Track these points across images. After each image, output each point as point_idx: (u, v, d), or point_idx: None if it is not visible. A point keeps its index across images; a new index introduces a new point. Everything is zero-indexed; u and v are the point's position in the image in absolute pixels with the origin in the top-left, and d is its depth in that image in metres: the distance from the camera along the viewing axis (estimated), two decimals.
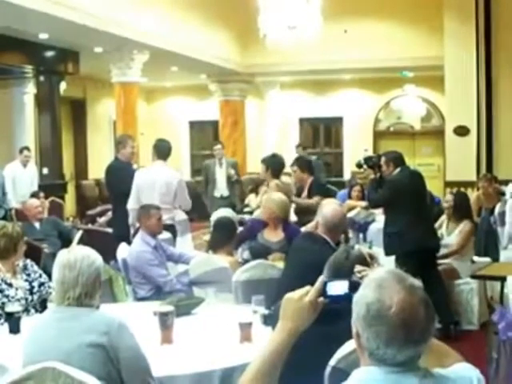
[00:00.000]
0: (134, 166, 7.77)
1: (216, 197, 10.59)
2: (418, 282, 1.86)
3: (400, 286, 1.80)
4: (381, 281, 1.82)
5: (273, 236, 5.82)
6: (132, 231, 6.84)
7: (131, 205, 6.88)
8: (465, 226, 6.90)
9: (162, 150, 7.08)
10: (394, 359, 1.78)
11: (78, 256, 2.95)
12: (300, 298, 2.03)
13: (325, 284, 2.01)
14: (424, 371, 1.83)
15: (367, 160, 6.75)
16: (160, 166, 7.02)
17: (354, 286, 1.96)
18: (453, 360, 2.06)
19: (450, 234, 6.97)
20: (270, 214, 5.87)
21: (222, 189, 10.70)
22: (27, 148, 11.37)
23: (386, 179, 6.53)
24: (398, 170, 6.49)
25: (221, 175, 10.75)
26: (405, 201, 6.30)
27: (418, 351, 1.80)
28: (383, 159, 6.59)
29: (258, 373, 2.00)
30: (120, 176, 7.28)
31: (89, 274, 2.92)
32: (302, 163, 7.79)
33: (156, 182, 6.84)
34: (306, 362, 2.78)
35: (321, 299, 2.02)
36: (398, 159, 6.58)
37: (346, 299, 1.97)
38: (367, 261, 3.19)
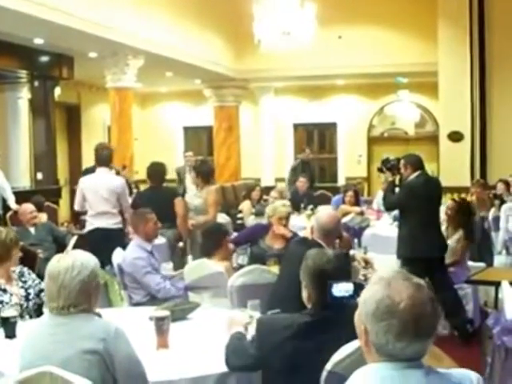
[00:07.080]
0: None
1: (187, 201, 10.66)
2: (423, 281, 1.93)
3: (408, 282, 1.88)
4: (388, 279, 1.90)
5: (275, 242, 5.81)
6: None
7: (76, 207, 7.29)
8: (458, 241, 6.84)
9: (100, 158, 7.22)
10: (402, 353, 1.84)
11: (62, 268, 2.88)
12: None
13: (330, 285, 2.06)
14: (428, 368, 1.89)
15: (385, 162, 6.75)
16: (103, 173, 7.16)
17: (358, 287, 2.03)
18: (448, 362, 2.11)
19: (449, 238, 6.93)
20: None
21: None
22: None
23: (402, 183, 6.51)
24: (416, 174, 6.44)
25: (189, 181, 10.78)
26: (418, 206, 6.28)
27: (424, 346, 1.87)
28: (402, 161, 6.55)
29: None
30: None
31: (71, 288, 2.86)
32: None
33: (99, 188, 7.03)
34: (302, 368, 2.79)
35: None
36: (416, 163, 6.52)
37: (350, 300, 2.03)
38: (349, 257, 3.17)
